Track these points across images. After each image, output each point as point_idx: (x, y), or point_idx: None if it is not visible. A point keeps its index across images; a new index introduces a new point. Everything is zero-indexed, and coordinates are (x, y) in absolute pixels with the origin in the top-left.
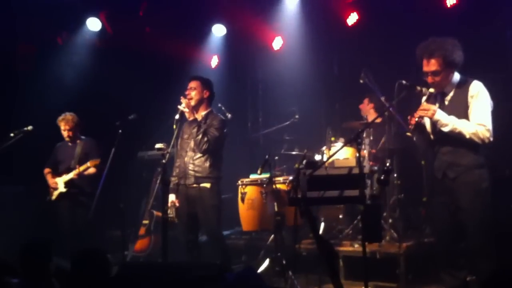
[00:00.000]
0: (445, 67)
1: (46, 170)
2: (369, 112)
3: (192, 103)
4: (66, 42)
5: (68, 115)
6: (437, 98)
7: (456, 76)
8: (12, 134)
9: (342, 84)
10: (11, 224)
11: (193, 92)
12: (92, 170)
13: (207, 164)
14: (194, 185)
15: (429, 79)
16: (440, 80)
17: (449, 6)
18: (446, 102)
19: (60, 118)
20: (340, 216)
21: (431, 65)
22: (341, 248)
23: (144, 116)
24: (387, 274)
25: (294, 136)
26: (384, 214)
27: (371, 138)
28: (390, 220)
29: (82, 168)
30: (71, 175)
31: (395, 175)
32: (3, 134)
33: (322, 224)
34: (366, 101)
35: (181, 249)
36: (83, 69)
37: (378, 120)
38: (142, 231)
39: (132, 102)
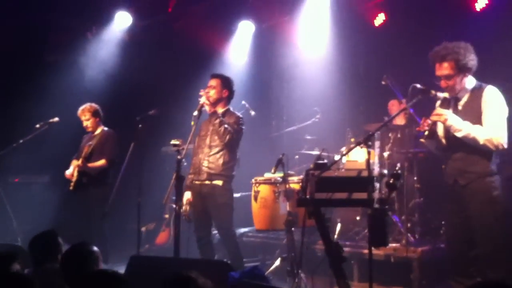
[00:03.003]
0: (458, 71)
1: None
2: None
3: (210, 101)
4: (95, 36)
5: (87, 105)
6: (451, 103)
7: (471, 81)
8: (38, 126)
9: (367, 86)
10: (35, 213)
11: (212, 90)
12: (100, 163)
13: (221, 161)
14: (207, 182)
15: (442, 84)
16: (453, 84)
17: (478, 9)
18: (460, 107)
19: (79, 109)
20: (357, 218)
21: (443, 69)
22: (356, 251)
23: (170, 111)
24: (401, 278)
25: (316, 136)
26: (402, 217)
27: (391, 141)
28: (408, 224)
29: (82, 156)
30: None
31: (415, 178)
32: (29, 125)
33: (339, 226)
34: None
35: None
36: (111, 62)
37: (402, 123)
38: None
39: (158, 97)
